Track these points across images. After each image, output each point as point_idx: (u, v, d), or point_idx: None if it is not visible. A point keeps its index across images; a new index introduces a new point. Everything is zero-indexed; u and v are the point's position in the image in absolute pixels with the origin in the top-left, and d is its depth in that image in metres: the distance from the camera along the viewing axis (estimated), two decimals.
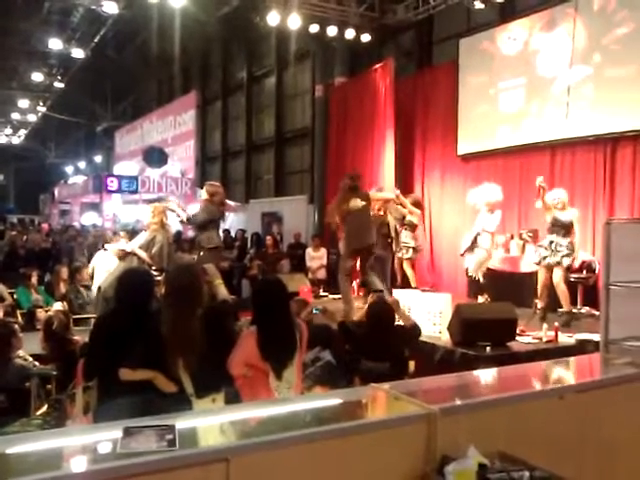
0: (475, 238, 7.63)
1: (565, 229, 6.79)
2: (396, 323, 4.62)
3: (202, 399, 2.90)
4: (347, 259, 7.08)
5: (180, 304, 2.98)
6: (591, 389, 2.72)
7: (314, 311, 6.48)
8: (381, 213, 7.95)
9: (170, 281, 3.15)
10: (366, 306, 5.06)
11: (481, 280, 7.62)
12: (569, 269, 6.87)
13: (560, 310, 6.97)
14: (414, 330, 4.58)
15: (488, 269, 7.74)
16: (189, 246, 10.17)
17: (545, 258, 6.80)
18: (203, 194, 6.95)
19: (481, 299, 7.55)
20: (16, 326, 4.91)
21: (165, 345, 2.87)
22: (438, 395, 2.56)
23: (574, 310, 7.06)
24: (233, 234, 14.25)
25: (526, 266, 7.92)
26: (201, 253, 6.83)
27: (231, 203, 16.54)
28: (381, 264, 7.65)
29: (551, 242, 6.78)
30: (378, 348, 4.13)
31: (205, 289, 3.34)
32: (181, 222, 7.03)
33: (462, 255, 7.99)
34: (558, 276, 6.71)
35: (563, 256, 6.68)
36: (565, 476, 2.09)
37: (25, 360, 4.75)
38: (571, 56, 8.11)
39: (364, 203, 6.88)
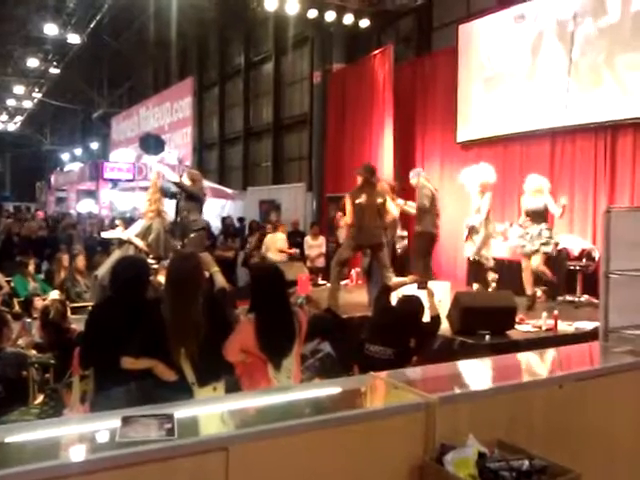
0: (471, 227, 7.56)
1: (538, 216, 6.79)
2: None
3: (203, 388, 2.89)
4: (347, 249, 6.99)
5: (182, 293, 2.96)
6: (590, 378, 2.71)
7: (299, 300, 6.46)
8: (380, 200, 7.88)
9: (171, 270, 3.12)
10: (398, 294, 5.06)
11: (490, 264, 7.53)
12: (549, 257, 6.88)
13: (533, 294, 6.93)
14: (435, 320, 4.56)
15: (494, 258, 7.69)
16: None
17: (523, 247, 6.88)
18: (186, 180, 7.29)
19: (490, 286, 7.49)
20: (9, 316, 4.87)
21: (167, 334, 2.86)
22: (437, 384, 2.55)
23: (569, 298, 7.20)
24: (236, 222, 14.19)
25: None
26: (187, 239, 6.96)
27: (229, 191, 16.57)
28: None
29: (526, 233, 6.84)
30: (386, 333, 4.14)
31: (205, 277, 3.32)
32: (175, 187, 7.14)
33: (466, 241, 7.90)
34: (536, 262, 6.76)
35: (541, 244, 6.73)
36: (564, 465, 2.08)
37: (22, 349, 4.73)
38: (572, 43, 8.04)
39: (380, 201, 6.76)
